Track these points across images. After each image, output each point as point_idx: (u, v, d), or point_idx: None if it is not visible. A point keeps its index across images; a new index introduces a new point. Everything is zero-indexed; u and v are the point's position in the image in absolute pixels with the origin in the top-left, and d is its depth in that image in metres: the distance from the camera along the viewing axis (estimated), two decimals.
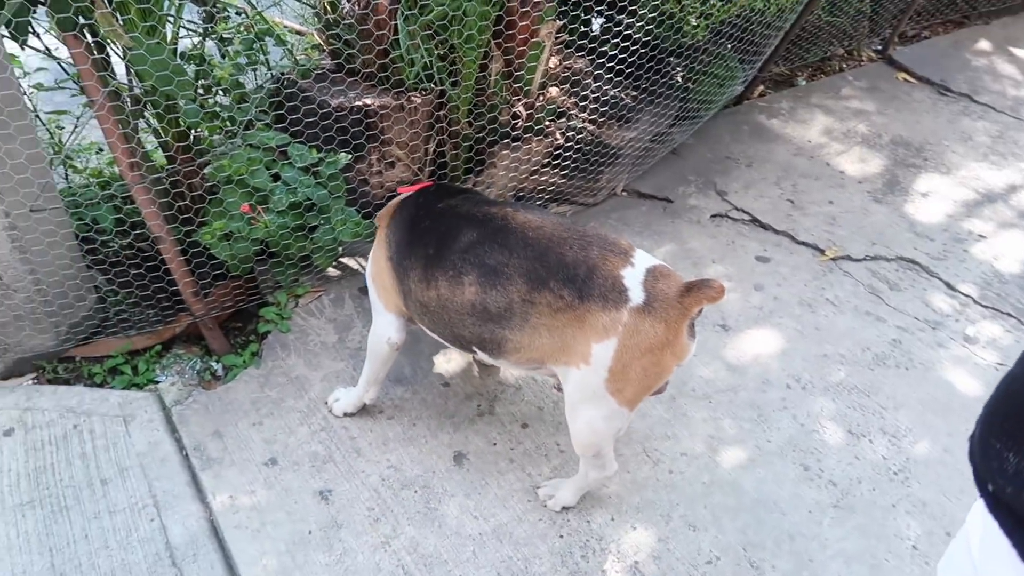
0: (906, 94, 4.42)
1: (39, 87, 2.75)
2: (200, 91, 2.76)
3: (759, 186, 3.59)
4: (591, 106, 3.18)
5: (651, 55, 3.16)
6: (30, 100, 2.68)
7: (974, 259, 3.24)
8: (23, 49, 2.34)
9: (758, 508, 2.24)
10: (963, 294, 3.06)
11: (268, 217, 2.55)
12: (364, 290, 2.87)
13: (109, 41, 2.38)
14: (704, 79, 3.48)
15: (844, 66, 4.65)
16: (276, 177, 2.65)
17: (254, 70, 2.92)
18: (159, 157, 2.85)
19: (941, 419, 2.54)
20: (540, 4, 2.72)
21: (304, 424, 2.38)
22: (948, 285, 3.10)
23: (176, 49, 2.56)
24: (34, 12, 2.25)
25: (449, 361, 2.62)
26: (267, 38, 2.81)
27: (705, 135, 3.86)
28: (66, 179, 2.89)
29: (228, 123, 2.83)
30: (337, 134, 2.77)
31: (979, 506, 0.85)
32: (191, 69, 2.71)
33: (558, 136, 3.12)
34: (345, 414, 2.41)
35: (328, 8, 2.87)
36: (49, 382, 2.50)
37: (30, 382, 2.50)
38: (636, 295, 1.77)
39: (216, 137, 2.84)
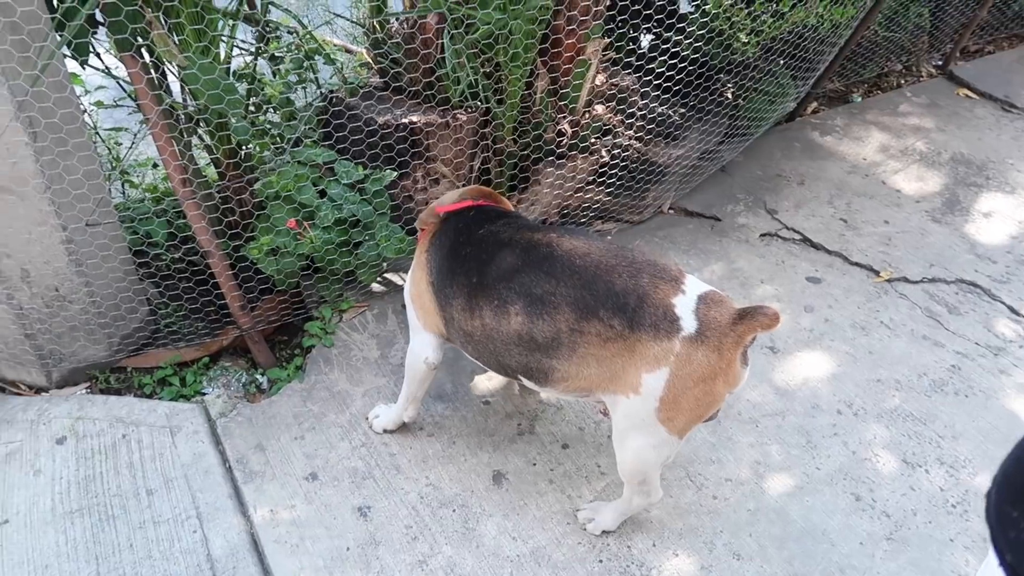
0: (967, 110, 4.28)
1: (99, 105, 2.84)
2: (251, 108, 2.82)
3: (811, 205, 3.50)
4: (638, 123, 3.15)
5: (700, 72, 3.12)
6: (90, 117, 2.77)
7: None
8: (84, 68, 2.42)
9: (806, 538, 2.16)
10: None
11: (314, 233, 2.58)
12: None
13: (164, 60, 2.44)
14: (754, 96, 3.42)
15: (902, 82, 4.53)
16: (323, 193, 2.68)
17: (304, 88, 2.97)
18: (211, 173, 2.91)
19: (1003, 450, 2.42)
20: (587, 22, 2.71)
21: (345, 439, 2.39)
22: (1011, 309, 2.97)
23: (229, 68, 2.62)
24: (94, 33, 2.33)
25: (490, 379, 2.60)
26: (317, 57, 2.85)
27: (755, 152, 3.79)
28: (123, 194, 2.97)
29: (277, 140, 2.89)
30: (383, 151, 2.80)
31: (992, 562, 0.79)
32: (242, 87, 2.77)
33: (604, 153, 3.10)
34: (385, 431, 2.41)
35: (377, 27, 2.91)
36: (101, 391, 2.56)
37: (83, 391, 2.56)
38: (688, 324, 1.73)
39: (266, 153, 2.89)
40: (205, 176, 2.82)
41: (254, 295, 2.79)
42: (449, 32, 2.58)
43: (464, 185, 2.94)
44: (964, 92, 4.44)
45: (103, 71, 2.53)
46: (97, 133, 2.88)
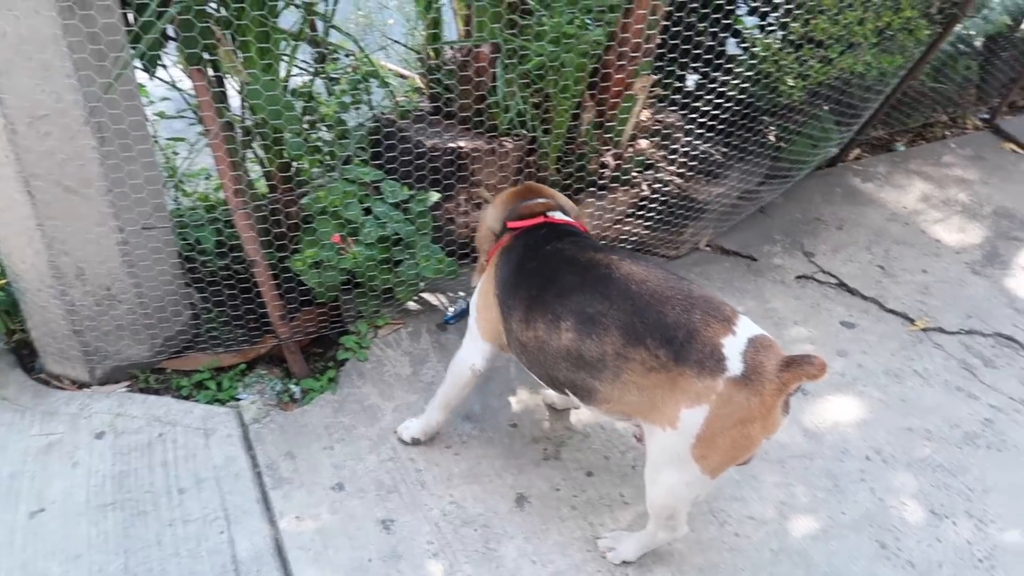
0: (1012, 164, 4.25)
1: (161, 115, 2.96)
2: (305, 126, 2.92)
3: (848, 250, 3.50)
4: (680, 160, 3.19)
5: (744, 113, 3.16)
6: (152, 127, 2.89)
7: None
8: (151, 79, 2.54)
9: None
10: None
11: (357, 248, 2.65)
12: (441, 326, 2.93)
13: (228, 76, 2.55)
14: (797, 139, 3.44)
15: (947, 133, 4.52)
16: (368, 211, 2.75)
17: (357, 109, 3.06)
18: (261, 185, 3.01)
19: None
20: (636, 58, 2.77)
21: (373, 452, 2.43)
22: None
23: (287, 86, 2.72)
24: (164, 47, 2.45)
25: (519, 402, 2.63)
26: (371, 79, 2.95)
27: (795, 195, 3.80)
28: (175, 201, 3.08)
29: (328, 157, 2.98)
30: (429, 173, 2.87)
31: None
32: (299, 105, 2.87)
33: (644, 187, 3.14)
34: (414, 440, 2.44)
35: (432, 54, 3.00)
36: (141, 391, 2.64)
37: (124, 389, 2.64)
38: (734, 366, 1.73)
39: (315, 170, 2.98)
40: (255, 188, 2.91)
41: (294, 306, 2.86)
42: (502, 62, 2.66)
43: None
44: (1010, 146, 4.41)
45: (168, 83, 2.65)
46: (156, 142, 3.00)
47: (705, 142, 3.28)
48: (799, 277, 3.32)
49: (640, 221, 3.23)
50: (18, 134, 2.12)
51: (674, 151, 3.15)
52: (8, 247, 2.41)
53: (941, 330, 3.08)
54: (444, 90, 2.95)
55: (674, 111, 3.25)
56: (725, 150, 3.39)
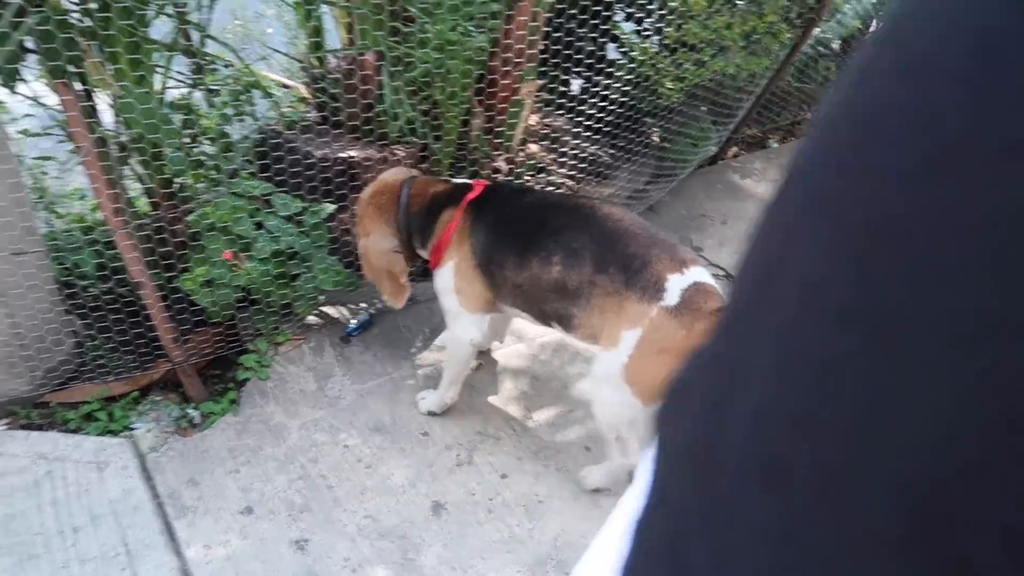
0: None
1: (25, 132, 2.77)
2: (186, 140, 2.80)
3: (733, 243, 3.68)
4: (570, 163, 3.26)
5: (628, 115, 3.27)
6: (16, 146, 2.70)
7: None
8: (12, 95, 2.37)
9: None
10: None
11: (250, 264, 2.57)
12: (344, 339, 2.88)
13: (98, 89, 2.42)
14: (679, 139, 3.60)
15: None
16: (259, 225, 2.68)
17: (241, 120, 2.97)
18: (142, 204, 2.87)
19: None
20: (521, 64, 2.82)
21: (282, 472, 2.36)
22: None
23: (163, 98, 2.61)
24: (23, 59, 2.29)
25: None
26: (254, 90, 2.87)
27: (681, 193, 3.96)
28: (48, 224, 2.89)
29: (214, 171, 2.87)
30: (321, 184, 2.82)
31: None
32: (178, 118, 2.76)
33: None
34: (429, 412, 2.59)
35: (315, 63, 2.95)
36: (23, 427, 2.46)
37: (3, 427, 2.46)
38: (671, 297, 1.92)
39: (201, 185, 2.87)
40: (136, 207, 2.78)
41: (187, 328, 2.74)
42: (387, 70, 2.64)
43: None
44: None
45: (31, 99, 2.49)
46: (22, 162, 2.81)
47: (592, 144, 3.37)
48: None
49: None
50: None
51: (563, 154, 3.23)
52: None
53: None
54: (330, 99, 2.90)
55: (562, 115, 3.33)
56: (613, 152, 3.49)
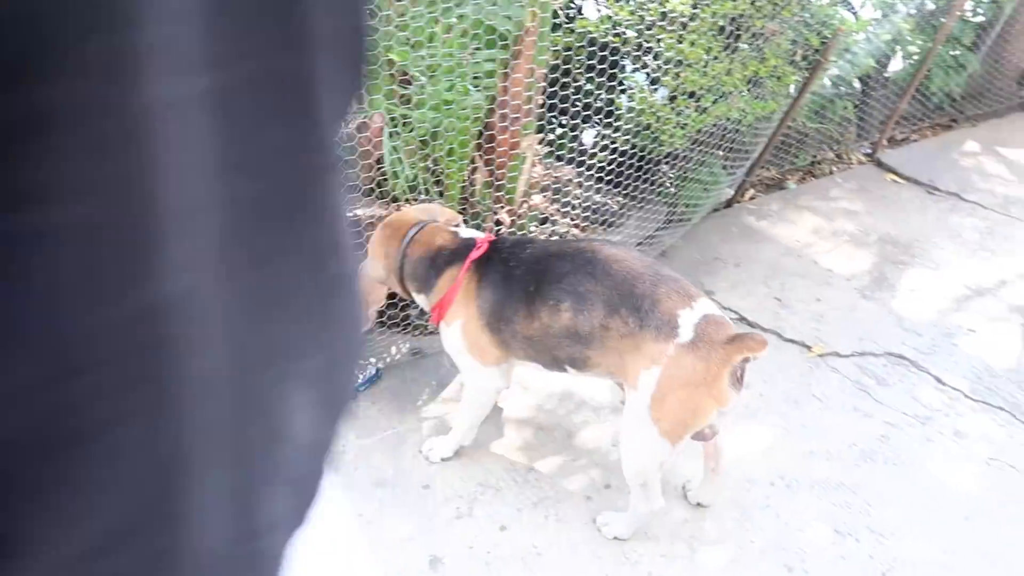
0: (894, 194, 4.53)
1: None
2: None
3: (747, 285, 3.65)
4: (576, 213, 3.31)
5: (632, 163, 3.31)
6: None
7: (963, 353, 3.24)
8: None
9: None
10: (952, 388, 3.04)
11: None
12: (351, 394, 2.93)
13: None
14: (689, 184, 3.61)
15: (834, 169, 4.79)
16: None
17: None
18: None
19: (930, 515, 2.49)
20: (520, 119, 2.89)
21: None
22: (937, 379, 3.09)
23: None
24: None
25: (430, 465, 2.64)
26: None
27: (694, 237, 3.96)
28: None
29: None
30: None
31: None
32: None
33: None
34: (443, 459, 2.61)
35: None
36: None
37: None
38: (686, 333, 1.98)
39: None
40: None
41: None
42: (387, 131, 2.74)
43: None
44: (891, 177, 4.70)
45: None
46: None
47: (598, 193, 3.41)
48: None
49: None
50: None
51: (569, 204, 3.27)
52: None
53: (836, 354, 3.23)
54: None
55: (569, 165, 3.38)
56: (620, 199, 3.53)
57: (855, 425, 2.86)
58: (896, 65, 5.01)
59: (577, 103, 3.05)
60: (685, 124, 3.17)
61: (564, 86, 3.00)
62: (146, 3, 0.36)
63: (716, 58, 3.07)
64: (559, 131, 3.34)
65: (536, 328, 2.21)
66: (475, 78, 2.64)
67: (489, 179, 2.98)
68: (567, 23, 3.03)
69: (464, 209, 3.01)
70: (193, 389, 0.44)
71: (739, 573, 2.30)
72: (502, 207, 3.05)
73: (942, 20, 4.38)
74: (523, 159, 2.98)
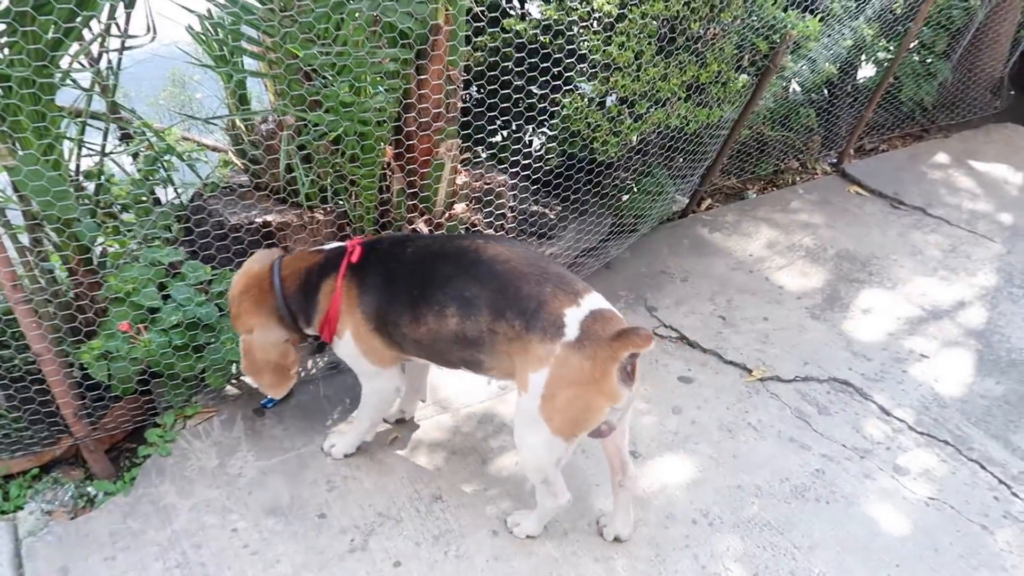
0: (857, 207, 4.35)
1: None
2: (101, 207, 2.75)
3: (692, 302, 3.48)
4: (508, 224, 3.13)
5: (570, 172, 3.13)
6: None
7: (913, 380, 3.07)
8: None
9: None
10: (897, 419, 2.87)
11: (148, 336, 2.48)
12: (259, 411, 2.76)
13: None
14: (633, 194, 3.44)
15: (797, 179, 4.62)
16: (166, 295, 2.59)
17: (165, 187, 2.92)
18: (61, 272, 2.82)
19: (859, 561, 2.32)
20: (437, 124, 2.71)
21: (160, 559, 2.22)
22: (882, 409, 2.92)
23: (70, 167, 2.56)
24: None
25: (331, 489, 2.47)
26: (171, 156, 2.81)
27: (642, 249, 3.79)
28: None
29: (132, 239, 2.81)
30: (238, 251, 2.73)
31: None
32: (91, 186, 2.72)
33: None
34: (346, 456, 2.57)
35: (241, 127, 2.90)
36: None
37: None
38: (571, 332, 1.93)
39: (122, 250, 2.81)
40: (52, 274, 2.72)
41: (103, 403, 2.65)
42: (288, 134, 2.57)
43: None
44: (855, 189, 4.53)
45: None
46: None
47: (534, 203, 3.24)
48: None
49: None
50: None
51: (499, 213, 3.09)
52: None
53: (778, 379, 3.06)
54: (252, 163, 2.83)
55: (499, 174, 3.20)
56: (559, 209, 3.35)
57: (790, 457, 2.69)
58: (869, 72, 4.84)
59: (507, 107, 2.88)
60: (619, 131, 2.99)
61: (492, 92, 2.82)
62: None
63: (650, 62, 2.89)
64: (493, 138, 3.15)
65: (424, 333, 2.13)
66: (378, 77, 2.46)
67: (405, 186, 2.80)
68: (492, 25, 2.84)
69: (382, 217, 2.84)
70: None
71: None
72: (419, 216, 2.87)
73: (908, 26, 4.21)
74: (442, 165, 2.80)
